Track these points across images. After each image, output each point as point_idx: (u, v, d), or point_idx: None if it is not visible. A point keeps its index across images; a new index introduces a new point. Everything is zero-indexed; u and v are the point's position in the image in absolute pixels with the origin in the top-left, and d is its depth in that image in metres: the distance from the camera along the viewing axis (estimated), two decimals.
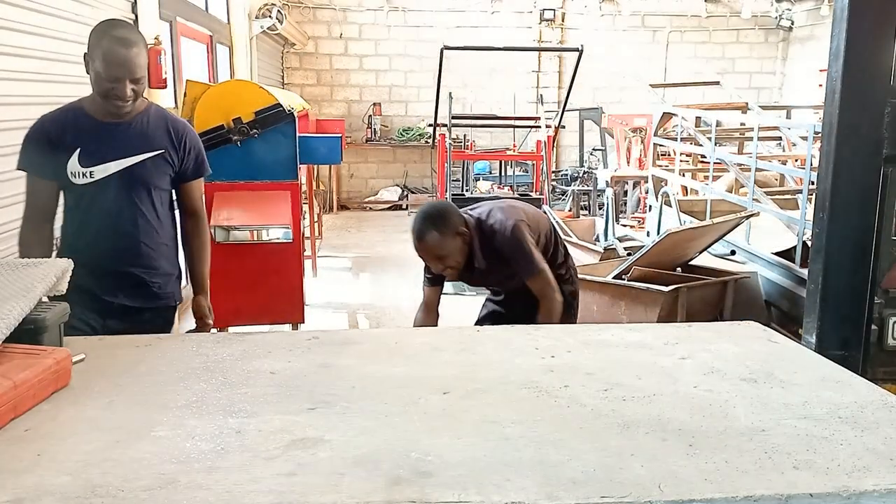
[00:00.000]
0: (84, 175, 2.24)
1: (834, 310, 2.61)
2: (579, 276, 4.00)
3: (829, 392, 1.34)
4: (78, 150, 2.23)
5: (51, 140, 2.23)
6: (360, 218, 10.49)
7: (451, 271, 2.63)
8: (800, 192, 4.44)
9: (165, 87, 4.95)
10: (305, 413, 1.21)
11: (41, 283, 1.44)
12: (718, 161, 5.30)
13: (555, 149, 10.53)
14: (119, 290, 2.25)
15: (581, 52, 7.16)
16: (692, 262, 4.12)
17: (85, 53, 2.20)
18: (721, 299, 3.81)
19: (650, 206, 5.79)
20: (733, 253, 4.42)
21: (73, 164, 2.23)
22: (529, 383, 1.36)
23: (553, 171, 10.24)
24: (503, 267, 2.65)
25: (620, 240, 5.16)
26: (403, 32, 11.38)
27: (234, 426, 1.16)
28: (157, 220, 2.33)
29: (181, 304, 2.48)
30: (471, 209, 2.77)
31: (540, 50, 11.19)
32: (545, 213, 2.96)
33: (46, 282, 1.46)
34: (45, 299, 1.46)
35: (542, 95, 9.75)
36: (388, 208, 11.21)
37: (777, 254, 4.08)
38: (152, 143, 2.34)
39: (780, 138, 7.30)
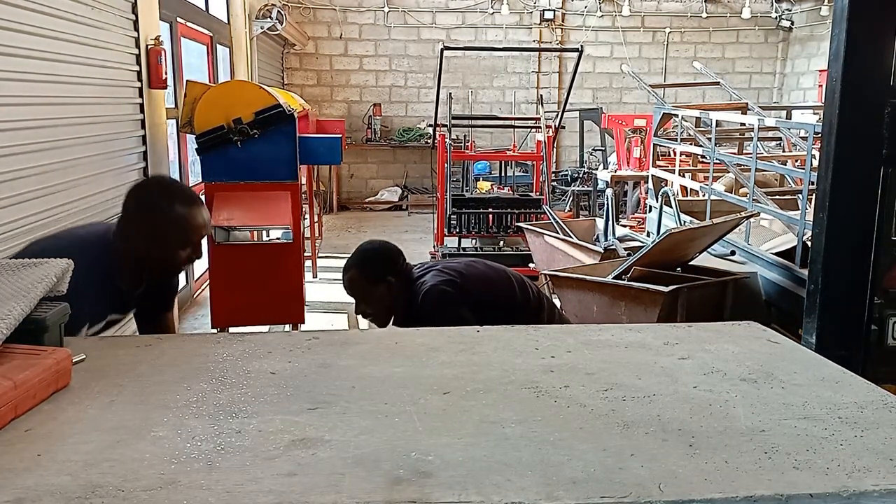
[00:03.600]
0: (83, 334, 1.96)
1: (834, 310, 2.61)
2: (579, 276, 4.02)
3: (829, 392, 1.34)
4: (91, 319, 1.96)
5: (88, 291, 1.81)
6: (361, 218, 10.49)
7: (371, 318, 2.53)
8: (800, 192, 4.44)
9: (166, 87, 4.96)
10: (305, 413, 1.21)
11: (41, 283, 1.44)
12: (718, 161, 5.30)
13: (555, 149, 10.53)
14: None
15: (581, 52, 7.17)
16: (692, 263, 4.12)
17: (140, 226, 1.93)
18: (721, 299, 3.81)
19: (650, 207, 5.79)
20: (733, 253, 4.42)
21: (83, 331, 1.93)
22: (529, 383, 1.36)
23: (553, 172, 10.24)
24: None
25: (620, 240, 5.16)
26: (403, 33, 11.39)
27: (234, 426, 1.16)
28: None
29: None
30: (423, 266, 2.61)
31: (540, 50, 11.20)
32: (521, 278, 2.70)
33: (46, 282, 1.46)
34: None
35: (542, 96, 9.75)
36: (389, 209, 11.22)
37: (777, 254, 4.08)
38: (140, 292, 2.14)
39: (779, 139, 7.30)
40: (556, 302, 4.31)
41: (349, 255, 2.54)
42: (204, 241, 2.09)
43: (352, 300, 2.55)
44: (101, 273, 1.91)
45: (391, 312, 2.53)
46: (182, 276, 2.48)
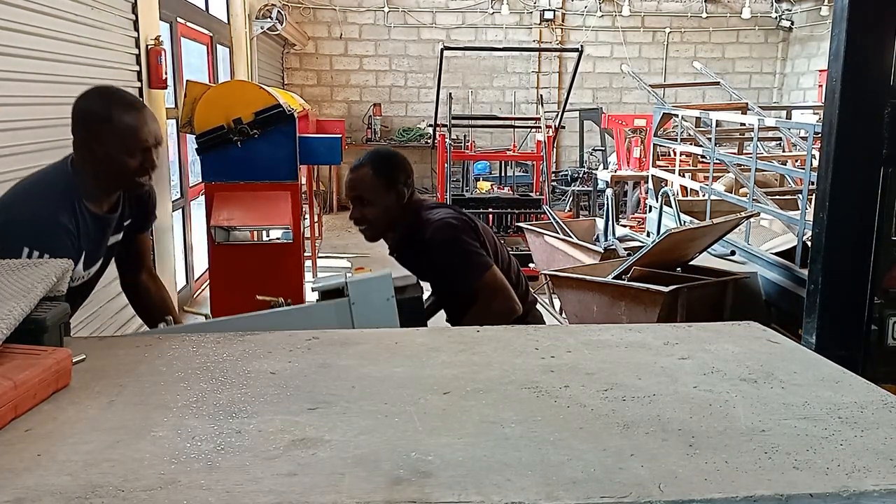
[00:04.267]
0: (81, 278, 1.96)
1: (834, 309, 2.61)
2: (579, 276, 4.02)
3: (829, 392, 1.34)
4: (84, 254, 1.93)
5: (72, 240, 1.86)
6: None
7: (366, 226, 2.37)
8: (800, 192, 4.44)
9: (166, 87, 4.97)
10: (305, 413, 1.21)
11: (41, 283, 1.44)
12: (718, 161, 5.31)
13: (555, 149, 10.54)
14: None
15: (581, 52, 7.18)
16: (692, 263, 4.12)
17: (84, 136, 1.88)
18: (721, 299, 3.81)
19: (650, 207, 5.80)
20: (733, 253, 4.42)
21: (78, 270, 1.91)
22: (529, 383, 1.36)
23: (553, 172, 10.25)
24: (425, 274, 2.32)
25: (620, 240, 5.17)
26: (403, 33, 11.39)
27: (234, 426, 1.16)
28: None
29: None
30: (432, 202, 2.54)
31: (540, 50, 11.21)
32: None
33: (47, 282, 1.46)
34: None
35: (542, 96, 9.76)
36: None
37: (777, 254, 4.08)
38: (125, 216, 2.10)
39: (779, 139, 7.31)
40: (556, 302, 4.31)
41: (359, 157, 2.39)
42: (162, 154, 2.00)
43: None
44: (70, 202, 1.87)
45: (389, 228, 2.38)
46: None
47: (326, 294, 2.08)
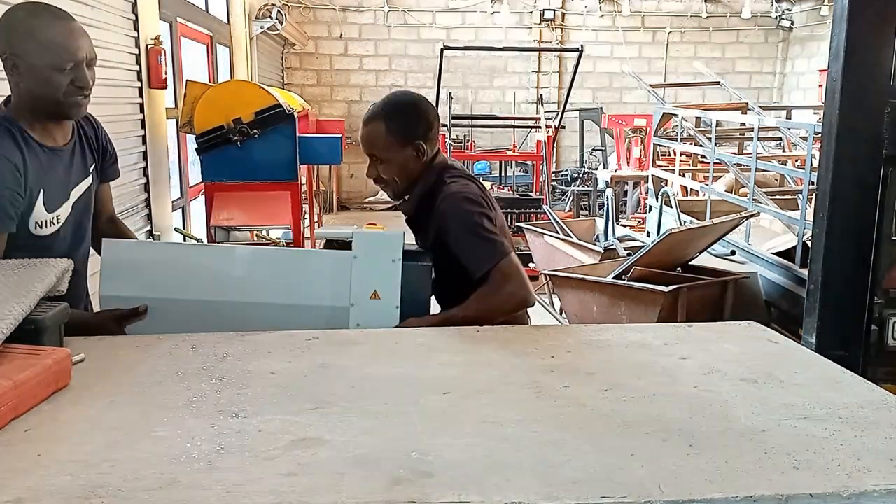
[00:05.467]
0: (50, 223, 1.81)
1: (834, 310, 2.61)
2: (579, 276, 4.02)
3: (829, 392, 1.34)
4: (42, 192, 1.77)
5: (17, 171, 1.70)
6: (360, 218, 10.49)
7: (384, 185, 2.10)
8: (800, 192, 4.44)
9: (165, 87, 4.97)
10: (306, 413, 1.21)
11: (41, 283, 1.44)
12: (718, 161, 5.31)
13: (555, 149, 10.53)
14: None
15: (581, 52, 7.18)
16: (692, 263, 4.12)
17: (10, 54, 1.71)
18: (721, 299, 3.81)
19: (650, 207, 5.79)
20: (733, 253, 4.42)
21: (39, 210, 1.77)
22: (529, 383, 1.36)
23: (553, 172, 10.25)
24: (433, 245, 2.04)
25: (620, 240, 5.17)
26: (403, 33, 11.39)
27: (234, 426, 1.16)
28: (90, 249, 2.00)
29: None
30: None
31: (540, 50, 11.20)
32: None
33: (47, 282, 1.46)
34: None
35: (542, 96, 9.76)
36: (388, 208, 11.21)
37: (777, 254, 4.08)
38: (87, 157, 1.95)
39: (780, 138, 7.31)
40: (556, 302, 4.31)
41: (374, 105, 2.10)
42: (95, 71, 1.79)
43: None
44: (7, 130, 1.73)
45: (412, 186, 2.08)
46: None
47: (332, 245, 1.97)
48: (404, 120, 2.03)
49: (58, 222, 1.83)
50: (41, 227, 1.80)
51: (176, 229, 5.12)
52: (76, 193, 1.90)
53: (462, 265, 1.94)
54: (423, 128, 2.04)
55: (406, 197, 2.13)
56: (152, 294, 1.82)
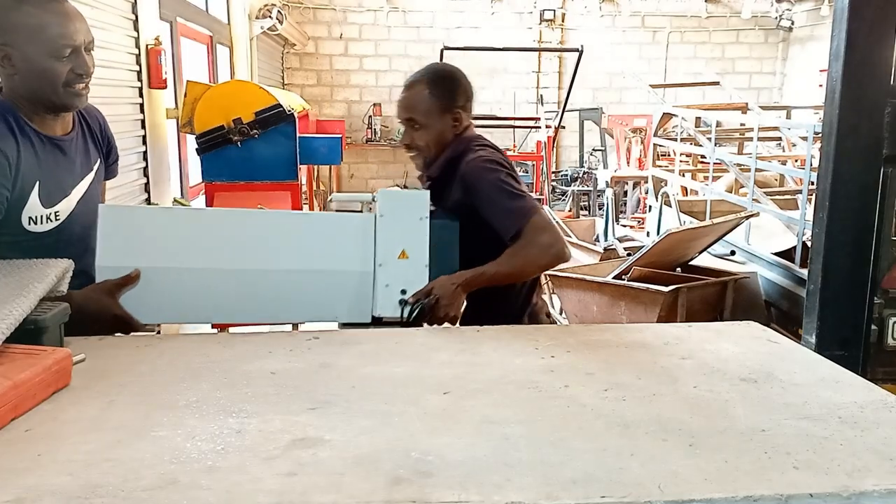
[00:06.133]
0: (47, 219, 1.69)
1: (834, 310, 2.61)
2: (579, 276, 4.02)
3: (829, 392, 1.34)
4: (39, 183, 1.65)
5: (6, 170, 1.58)
6: None
7: (416, 153, 2.10)
8: (800, 192, 4.44)
9: (165, 87, 4.96)
10: (306, 413, 1.21)
11: (41, 283, 1.44)
12: (718, 161, 5.31)
13: (555, 149, 10.53)
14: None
15: (581, 52, 7.17)
16: (692, 262, 4.13)
17: (1, 47, 1.59)
18: (721, 299, 3.81)
19: (650, 207, 5.79)
20: (733, 253, 4.43)
21: (33, 204, 1.64)
22: (529, 383, 1.36)
23: (553, 172, 10.24)
24: (453, 205, 1.99)
25: (620, 240, 5.17)
26: (403, 33, 11.38)
27: (234, 426, 1.16)
28: None
29: None
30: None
31: (540, 50, 11.20)
32: None
33: (47, 282, 1.46)
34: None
35: (542, 96, 9.76)
36: None
37: (777, 254, 4.08)
38: (90, 151, 1.85)
39: (780, 138, 7.31)
40: (556, 302, 4.31)
41: (415, 72, 2.11)
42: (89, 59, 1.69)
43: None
44: (3, 117, 1.63)
45: (441, 154, 2.07)
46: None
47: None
48: (447, 87, 2.05)
49: (56, 219, 1.71)
50: (36, 223, 1.67)
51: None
52: (80, 190, 1.79)
53: (490, 228, 1.91)
54: (462, 98, 2.07)
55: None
56: (156, 263, 1.70)
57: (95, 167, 1.86)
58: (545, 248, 1.86)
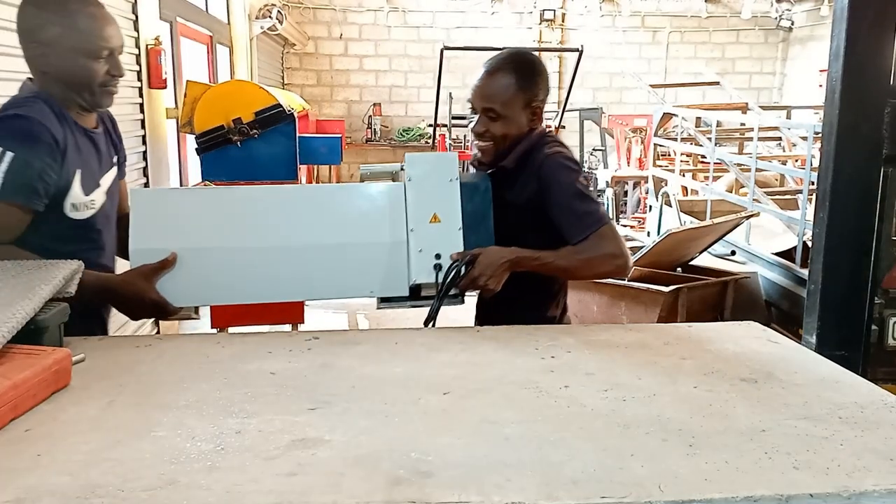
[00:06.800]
0: (85, 207, 1.74)
1: (834, 310, 2.61)
2: None
3: (829, 392, 1.34)
4: (80, 173, 1.71)
5: (56, 154, 1.63)
6: None
7: (486, 145, 1.93)
8: (800, 192, 4.45)
9: (165, 87, 4.96)
10: (305, 413, 1.21)
11: (47, 285, 1.43)
12: (718, 161, 5.31)
13: None
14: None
15: (581, 52, 7.17)
16: (692, 263, 4.13)
17: (40, 47, 1.66)
18: (721, 299, 3.81)
19: (650, 206, 5.80)
20: (733, 253, 4.43)
21: (76, 191, 1.70)
22: (529, 383, 1.36)
23: None
24: (524, 207, 1.90)
25: None
26: (403, 33, 11.38)
27: (234, 426, 1.16)
28: None
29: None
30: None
31: (540, 50, 11.18)
32: None
33: (53, 284, 1.45)
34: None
35: None
36: None
37: (777, 254, 4.08)
38: (111, 147, 1.91)
39: (780, 138, 7.31)
40: None
41: (501, 53, 1.95)
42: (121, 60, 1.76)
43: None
44: (53, 106, 1.68)
45: (514, 146, 1.93)
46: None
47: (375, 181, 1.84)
48: (532, 79, 1.92)
49: (92, 207, 1.76)
50: (77, 210, 1.72)
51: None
52: (106, 181, 1.84)
53: (553, 229, 1.84)
54: (544, 91, 1.95)
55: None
56: (188, 244, 1.70)
57: (114, 162, 1.92)
58: (610, 256, 1.82)
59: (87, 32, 1.66)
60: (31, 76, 1.77)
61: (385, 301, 1.85)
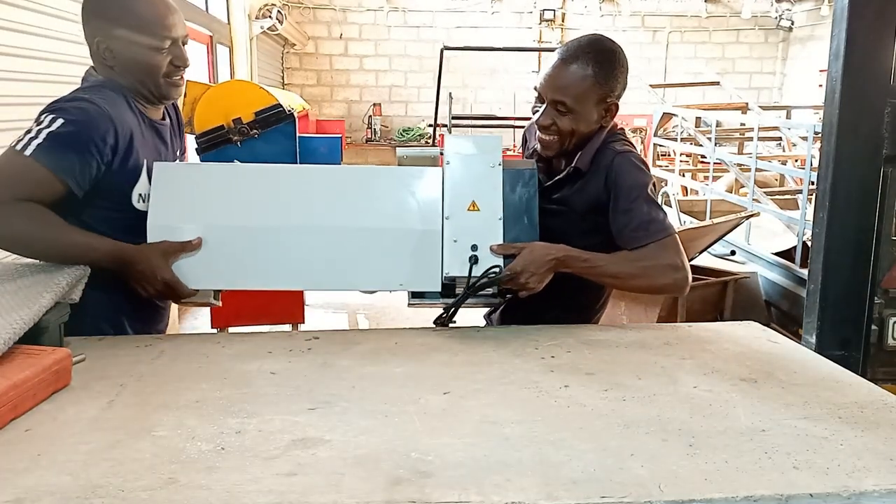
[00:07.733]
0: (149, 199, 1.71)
1: (834, 310, 2.61)
2: None
3: (829, 392, 1.34)
4: (146, 162, 1.70)
5: (108, 138, 1.59)
6: None
7: (551, 139, 1.74)
8: (800, 192, 4.44)
9: None
10: (305, 413, 1.21)
11: (50, 293, 1.42)
12: (718, 161, 5.31)
13: None
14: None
15: None
16: (692, 262, 4.12)
17: (104, 39, 1.64)
18: (721, 299, 3.81)
19: None
20: (733, 253, 4.43)
21: (143, 182, 1.69)
22: (529, 383, 1.36)
23: None
24: (592, 208, 1.75)
25: None
26: (403, 33, 11.38)
27: (234, 426, 1.16)
28: None
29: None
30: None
31: (540, 50, 11.19)
32: None
33: (56, 291, 1.44)
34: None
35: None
36: None
37: (777, 254, 4.08)
38: (175, 141, 1.90)
39: (780, 138, 7.31)
40: None
41: (577, 41, 1.74)
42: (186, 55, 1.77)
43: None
44: (123, 96, 1.68)
45: (580, 148, 1.76)
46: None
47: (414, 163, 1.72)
48: (611, 73, 1.71)
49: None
50: (144, 202, 1.68)
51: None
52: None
53: (609, 234, 1.70)
54: (622, 86, 1.75)
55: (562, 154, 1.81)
56: (210, 221, 1.63)
57: (178, 155, 1.91)
58: (670, 268, 1.66)
59: (151, 23, 1.64)
60: (93, 66, 1.74)
61: (417, 297, 1.72)
